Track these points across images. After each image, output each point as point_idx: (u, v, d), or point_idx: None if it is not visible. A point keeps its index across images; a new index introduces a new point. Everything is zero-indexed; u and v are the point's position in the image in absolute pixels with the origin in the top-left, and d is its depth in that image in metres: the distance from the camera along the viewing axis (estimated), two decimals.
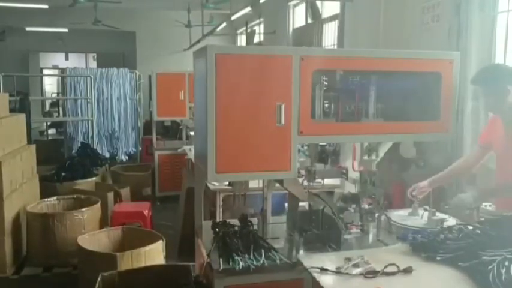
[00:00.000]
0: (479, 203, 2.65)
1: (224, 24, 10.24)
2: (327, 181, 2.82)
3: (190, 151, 5.68)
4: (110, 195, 5.27)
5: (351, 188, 2.75)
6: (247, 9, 7.70)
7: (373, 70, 2.56)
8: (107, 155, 8.87)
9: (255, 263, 2.21)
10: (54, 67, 17.96)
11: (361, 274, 1.92)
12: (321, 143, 2.64)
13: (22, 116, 4.92)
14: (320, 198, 2.55)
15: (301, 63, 2.37)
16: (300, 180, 2.60)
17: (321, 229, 2.53)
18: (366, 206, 2.66)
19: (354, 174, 2.70)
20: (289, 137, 2.38)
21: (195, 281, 2.54)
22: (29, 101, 7.36)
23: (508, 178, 2.78)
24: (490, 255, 1.85)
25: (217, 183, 3.74)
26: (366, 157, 2.66)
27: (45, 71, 17.77)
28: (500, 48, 3.98)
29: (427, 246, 2.13)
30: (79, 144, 7.79)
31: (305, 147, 2.69)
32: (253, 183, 3.01)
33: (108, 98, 9.26)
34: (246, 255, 2.25)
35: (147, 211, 4.96)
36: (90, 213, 4.30)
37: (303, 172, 2.64)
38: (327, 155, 2.64)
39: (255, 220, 2.66)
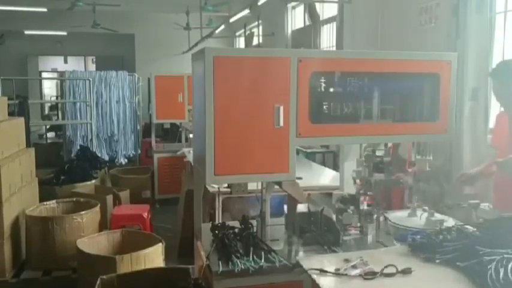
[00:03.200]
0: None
1: (223, 26, 10.25)
2: (327, 182, 2.82)
3: (190, 154, 5.67)
4: (109, 198, 5.26)
5: (349, 190, 2.75)
6: (246, 12, 7.70)
7: (372, 71, 2.56)
8: (106, 158, 8.85)
9: (254, 265, 2.21)
10: (53, 70, 17.97)
11: (360, 275, 1.91)
12: (378, 154, 2.64)
13: (21, 120, 4.92)
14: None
15: (299, 65, 2.37)
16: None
17: (320, 231, 2.53)
18: (365, 208, 2.66)
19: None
20: (287, 138, 2.39)
21: (194, 284, 2.54)
22: (28, 105, 7.35)
23: (507, 180, 2.79)
24: (488, 255, 1.85)
25: (216, 185, 3.74)
26: (419, 156, 2.66)
27: (44, 75, 17.78)
28: (498, 48, 3.99)
29: (426, 247, 2.13)
30: (78, 148, 7.78)
31: (362, 158, 2.69)
32: (252, 186, 3.01)
33: (107, 101, 9.25)
34: (245, 258, 2.25)
35: (146, 214, 4.95)
36: (90, 217, 4.29)
37: (358, 181, 2.64)
38: (384, 165, 2.64)
39: (254, 222, 2.66)
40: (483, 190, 3.14)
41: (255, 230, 2.57)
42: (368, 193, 2.64)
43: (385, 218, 2.66)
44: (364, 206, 2.66)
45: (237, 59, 2.37)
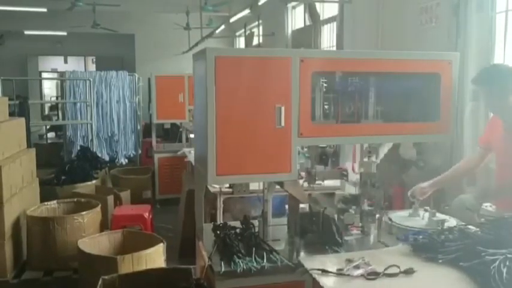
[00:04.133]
0: (480, 204, 2.65)
1: (223, 26, 10.24)
2: (327, 183, 2.82)
3: (190, 154, 5.68)
4: (110, 199, 5.26)
5: (351, 190, 2.75)
6: (246, 12, 7.70)
7: (373, 71, 2.56)
8: (107, 158, 8.85)
9: (256, 265, 2.21)
10: (53, 70, 17.95)
11: (362, 275, 1.92)
12: (321, 145, 2.64)
13: (21, 120, 4.91)
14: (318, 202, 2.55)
15: (300, 65, 2.37)
16: (300, 182, 2.60)
17: (321, 231, 2.53)
18: (367, 208, 2.66)
19: (354, 176, 2.70)
20: (289, 138, 2.39)
21: (196, 284, 2.54)
22: (28, 105, 7.34)
23: (507, 178, 2.79)
24: (491, 255, 1.85)
25: (217, 185, 3.74)
26: (366, 159, 2.66)
27: (44, 75, 17.75)
28: (499, 48, 3.99)
29: (428, 247, 2.13)
30: (79, 148, 7.78)
31: (305, 149, 2.70)
32: (254, 186, 3.01)
33: (107, 101, 9.25)
34: (247, 258, 2.25)
35: (147, 214, 4.95)
36: (91, 217, 4.29)
37: (303, 174, 2.65)
38: (327, 156, 2.65)
39: (255, 222, 2.66)
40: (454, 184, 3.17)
41: (256, 230, 2.57)
42: (311, 185, 2.62)
43: (390, 220, 2.66)
44: (365, 206, 2.66)
45: (238, 59, 2.37)
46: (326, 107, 2.54)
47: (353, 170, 2.68)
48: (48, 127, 12.70)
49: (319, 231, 2.54)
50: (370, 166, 2.64)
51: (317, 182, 2.64)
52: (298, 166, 2.55)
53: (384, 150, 2.74)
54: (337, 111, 2.55)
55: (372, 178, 2.63)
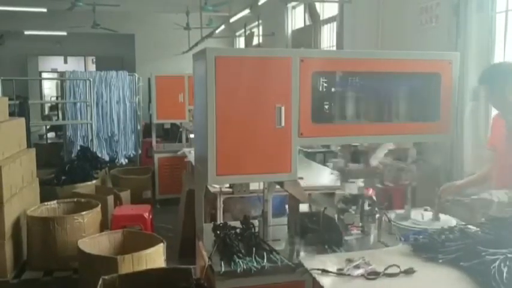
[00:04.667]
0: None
1: (223, 26, 10.25)
2: (328, 182, 2.82)
3: (190, 153, 5.67)
4: (110, 199, 5.26)
5: (351, 190, 2.75)
6: (246, 12, 7.70)
7: (373, 71, 2.56)
8: (107, 158, 8.85)
9: (256, 265, 2.21)
10: (53, 71, 17.96)
11: (362, 275, 1.91)
12: (353, 143, 2.63)
13: (22, 120, 4.91)
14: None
15: (300, 65, 2.37)
16: (336, 180, 2.60)
17: (322, 230, 2.52)
18: (367, 207, 2.66)
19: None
20: (289, 138, 2.38)
21: (196, 284, 2.54)
22: (28, 105, 7.34)
23: (508, 179, 2.78)
24: (491, 255, 1.85)
25: (217, 185, 3.74)
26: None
27: (44, 75, 17.76)
28: (499, 48, 3.99)
29: (428, 247, 2.13)
30: (79, 148, 7.78)
31: (338, 148, 2.69)
32: (254, 185, 3.01)
33: (107, 101, 9.25)
34: (247, 258, 2.25)
35: (147, 214, 4.95)
36: (91, 217, 4.29)
37: (336, 172, 2.64)
38: (360, 154, 2.64)
39: (255, 222, 2.66)
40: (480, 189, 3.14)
41: (256, 230, 2.57)
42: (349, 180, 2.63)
43: (389, 220, 2.66)
44: (365, 206, 2.66)
45: (238, 59, 2.37)
46: (326, 107, 2.53)
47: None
48: (48, 127, 12.69)
49: (319, 231, 2.54)
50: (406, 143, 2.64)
51: (350, 181, 2.62)
52: (331, 164, 2.55)
53: (384, 150, 2.74)
54: (337, 111, 2.55)
55: (406, 153, 2.62)
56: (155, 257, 3.45)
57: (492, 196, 2.60)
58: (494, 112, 3.87)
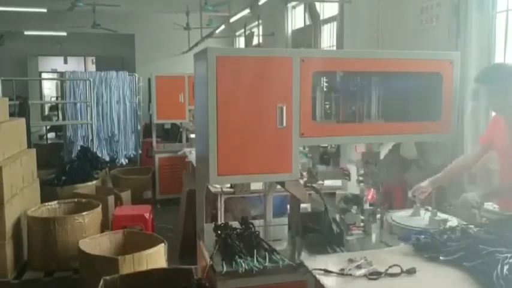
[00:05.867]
0: (483, 202, 2.64)
1: (223, 26, 10.24)
2: (328, 182, 2.82)
3: (191, 154, 5.67)
4: (111, 199, 5.26)
5: (353, 189, 2.75)
6: (246, 11, 7.69)
7: (374, 71, 2.56)
8: (107, 158, 8.85)
9: (257, 265, 2.21)
10: (53, 71, 17.96)
11: (364, 275, 1.91)
12: (322, 145, 2.64)
13: (22, 120, 4.91)
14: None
15: (301, 65, 2.37)
16: (301, 181, 2.60)
17: (323, 231, 2.52)
18: (368, 207, 2.66)
19: (355, 176, 2.70)
20: (290, 138, 2.38)
21: (197, 284, 2.53)
22: (29, 105, 7.34)
23: (510, 177, 2.79)
24: (493, 255, 1.85)
25: (218, 185, 3.74)
26: None
27: (44, 75, 17.76)
28: (499, 47, 3.99)
29: (429, 246, 2.12)
30: (79, 148, 7.78)
31: (306, 149, 2.70)
32: (255, 185, 3.01)
33: (107, 101, 9.26)
34: (249, 258, 2.25)
35: (148, 214, 4.95)
36: (91, 217, 4.29)
37: (304, 174, 2.64)
38: (329, 156, 2.64)
39: (256, 222, 2.66)
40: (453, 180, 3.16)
41: (257, 230, 2.57)
42: (312, 185, 2.62)
43: (388, 218, 2.66)
44: (367, 206, 2.66)
45: (239, 58, 2.37)
46: (327, 106, 2.53)
47: (356, 150, 2.69)
48: (48, 127, 12.69)
49: (320, 231, 2.54)
50: (373, 145, 2.64)
51: (318, 182, 2.64)
52: (300, 166, 2.55)
53: (384, 150, 2.74)
54: (338, 111, 2.55)
55: (375, 157, 2.61)
56: (156, 257, 3.45)
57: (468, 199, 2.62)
58: (494, 112, 3.88)
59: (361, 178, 2.69)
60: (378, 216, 2.68)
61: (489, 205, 2.64)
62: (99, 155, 7.61)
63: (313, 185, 2.61)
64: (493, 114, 3.81)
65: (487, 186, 3.18)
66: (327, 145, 2.65)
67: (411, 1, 4.77)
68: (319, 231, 2.54)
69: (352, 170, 2.72)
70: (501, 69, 2.89)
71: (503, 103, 2.75)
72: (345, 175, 2.69)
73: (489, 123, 3.25)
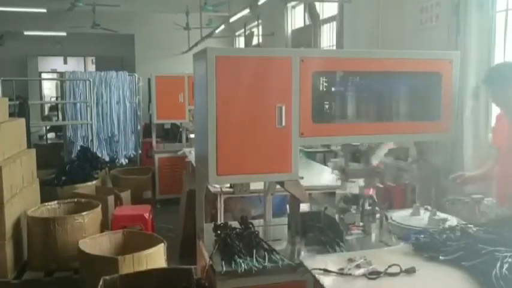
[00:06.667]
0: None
1: (222, 26, 10.24)
2: (329, 182, 2.82)
3: (190, 154, 5.67)
4: (111, 199, 5.26)
5: (352, 189, 2.75)
6: (246, 11, 7.70)
7: (373, 71, 2.56)
8: (107, 158, 8.86)
9: (257, 265, 2.21)
10: (53, 71, 17.96)
11: (364, 275, 1.91)
12: (354, 143, 2.63)
13: (22, 121, 4.91)
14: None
15: (301, 65, 2.37)
16: (337, 180, 2.59)
17: (323, 230, 2.52)
18: (367, 207, 2.66)
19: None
20: (290, 138, 2.38)
21: (197, 284, 2.54)
22: (28, 105, 7.35)
23: (509, 176, 2.79)
24: (492, 254, 1.85)
25: (218, 185, 3.74)
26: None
27: (44, 75, 17.77)
28: (499, 47, 3.99)
29: (429, 246, 2.12)
30: (79, 148, 7.78)
31: (338, 147, 2.69)
32: (255, 185, 3.00)
33: (107, 101, 9.26)
34: (248, 258, 2.25)
35: (147, 214, 4.95)
36: (91, 217, 4.29)
37: (336, 172, 2.64)
38: (360, 154, 2.64)
39: (256, 222, 2.66)
40: (486, 185, 3.14)
41: (256, 230, 2.57)
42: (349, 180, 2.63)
43: (386, 218, 2.66)
44: (366, 206, 2.65)
45: (239, 58, 2.37)
46: (326, 106, 2.53)
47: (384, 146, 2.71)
48: (48, 128, 12.69)
49: (320, 230, 2.54)
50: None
51: (350, 180, 2.63)
52: (332, 164, 2.55)
53: (384, 150, 2.74)
54: (337, 111, 2.54)
55: (404, 153, 2.65)
56: (156, 257, 3.45)
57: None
58: (494, 112, 3.88)
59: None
60: (378, 215, 2.68)
61: (489, 200, 2.63)
62: (99, 155, 7.61)
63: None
64: (493, 113, 3.81)
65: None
66: (358, 143, 2.64)
67: (411, 1, 4.77)
68: (318, 231, 2.54)
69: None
70: (507, 69, 2.90)
71: (509, 102, 2.76)
72: (377, 173, 2.67)
73: (494, 125, 3.25)
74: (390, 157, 2.73)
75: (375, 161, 2.69)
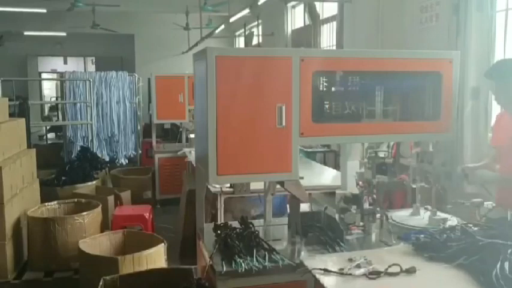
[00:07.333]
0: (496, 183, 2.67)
1: (222, 26, 10.24)
2: (329, 181, 2.81)
3: (190, 154, 5.67)
4: (111, 199, 5.26)
5: (352, 189, 2.74)
6: (246, 11, 7.70)
7: (373, 71, 2.56)
8: (107, 158, 8.86)
9: (257, 265, 2.21)
10: (53, 71, 17.96)
11: (364, 275, 1.91)
12: (380, 155, 2.65)
13: (22, 121, 4.91)
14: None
15: (301, 65, 2.37)
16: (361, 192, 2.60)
17: (323, 230, 2.52)
18: (368, 207, 2.66)
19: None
20: (290, 138, 2.38)
21: (197, 284, 2.54)
22: (28, 106, 7.35)
23: (509, 175, 2.79)
24: (493, 254, 1.85)
25: (218, 185, 3.74)
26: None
27: (43, 75, 17.76)
28: (499, 46, 3.99)
29: (429, 246, 2.12)
30: (79, 148, 7.79)
31: (365, 160, 2.70)
32: (255, 185, 3.00)
33: (107, 101, 9.27)
34: (248, 258, 2.25)
35: (147, 214, 4.95)
36: (91, 217, 4.29)
37: (360, 183, 2.64)
38: (387, 167, 2.64)
39: (256, 222, 2.65)
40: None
41: (256, 230, 2.56)
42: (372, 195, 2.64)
43: (387, 218, 2.66)
44: (366, 206, 2.65)
45: (239, 58, 2.37)
46: (327, 106, 2.53)
47: (410, 149, 2.72)
48: (48, 128, 12.69)
49: (320, 230, 2.54)
50: (427, 145, 2.67)
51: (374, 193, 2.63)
52: (356, 176, 2.56)
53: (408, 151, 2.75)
54: (337, 111, 2.54)
55: (428, 156, 2.65)
56: (156, 257, 3.45)
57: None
58: (494, 111, 3.88)
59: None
60: (378, 215, 2.68)
61: (489, 204, 2.64)
62: (99, 155, 7.61)
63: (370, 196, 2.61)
64: (493, 113, 3.82)
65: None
66: (384, 156, 2.65)
67: (411, 0, 4.77)
68: (319, 231, 2.54)
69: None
70: (510, 65, 2.90)
71: (510, 99, 2.76)
72: (404, 185, 2.68)
73: (494, 124, 3.24)
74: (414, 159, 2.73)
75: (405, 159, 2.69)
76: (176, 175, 6.96)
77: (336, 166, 5.22)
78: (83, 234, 4.08)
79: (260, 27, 10.20)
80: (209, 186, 3.58)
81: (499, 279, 1.72)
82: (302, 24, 8.88)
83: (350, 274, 1.92)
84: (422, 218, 2.70)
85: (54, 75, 17.44)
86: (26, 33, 14.34)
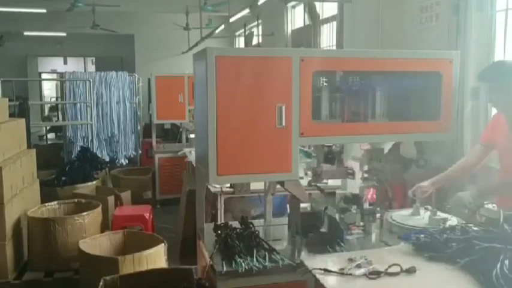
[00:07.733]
0: (478, 201, 2.64)
1: (222, 26, 10.24)
2: (330, 181, 2.81)
3: (191, 154, 5.68)
4: (111, 199, 5.26)
5: (352, 189, 2.75)
6: (246, 11, 7.70)
7: (373, 71, 2.56)
8: (107, 158, 8.86)
9: (257, 265, 2.21)
10: (53, 71, 17.96)
11: (364, 275, 1.91)
12: (326, 144, 2.64)
13: (22, 121, 4.91)
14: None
15: (301, 65, 2.37)
16: (306, 181, 2.60)
17: (323, 230, 2.52)
18: (368, 207, 2.66)
19: (360, 175, 2.70)
20: (290, 138, 2.38)
21: (197, 284, 2.54)
22: (28, 106, 7.34)
23: (510, 176, 2.78)
24: (493, 254, 1.85)
25: (218, 185, 3.74)
26: None
27: (43, 76, 17.77)
28: (499, 46, 3.99)
29: (430, 246, 2.12)
30: (79, 149, 7.79)
31: (311, 148, 2.70)
32: (255, 185, 3.00)
33: (107, 101, 9.27)
34: (249, 258, 2.25)
35: (148, 214, 4.95)
36: (91, 217, 4.29)
37: (309, 173, 2.64)
38: (333, 155, 2.64)
39: (256, 222, 2.66)
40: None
41: (256, 230, 2.57)
42: (317, 184, 2.63)
43: (388, 217, 2.66)
44: (366, 206, 2.66)
45: (239, 58, 2.37)
46: (327, 106, 2.53)
47: (360, 147, 2.69)
48: (48, 128, 12.69)
49: (320, 230, 2.54)
50: (379, 143, 2.66)
51: (323, 181, 2.63)
52: (305, 165, 2.55)
53: (358, 151, 2.75)
54: (338, 111, 2.55)
55: (378, 154, 2.62)
56: (156, 258, 3.45)
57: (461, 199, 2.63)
58: (494, 111, 3.88)
59: (365, 175, 2.69)
60: (378, 215, 2.68)
61: (488, 204, 2.63)
62: (99, 156, 7.61)
63: (318, 184, 2.61)
64: (493, 113, 3.81)
65: (485, 185, 3.18)
66: (331, 144, 2.64)
67: (411, 0, 4.77)
68: (319, 231, 2.54)
69: (356, 167, 2.71)
70: (503, 67, 2.89)
71: (505, 101, 2.75)
72: (349, 174, 2.68)
73: (489, 122, 3.25)
74: (365, 158, 2.73)
75: (348, 162, 2.70)
76: (176, 175, 6.96)
77: None
78: (83, 235, 4.08)
79: (260, 27, 10.19)
80: (209, 186, 3.59)
81: (499, 279, 1.72)
82: (302, 24, 8.87)
83: (350, 274, 1.91)
84: (422, 218, 2.70)
85: (54, 76, 17.44)
86: (25, 33, 14.34)
